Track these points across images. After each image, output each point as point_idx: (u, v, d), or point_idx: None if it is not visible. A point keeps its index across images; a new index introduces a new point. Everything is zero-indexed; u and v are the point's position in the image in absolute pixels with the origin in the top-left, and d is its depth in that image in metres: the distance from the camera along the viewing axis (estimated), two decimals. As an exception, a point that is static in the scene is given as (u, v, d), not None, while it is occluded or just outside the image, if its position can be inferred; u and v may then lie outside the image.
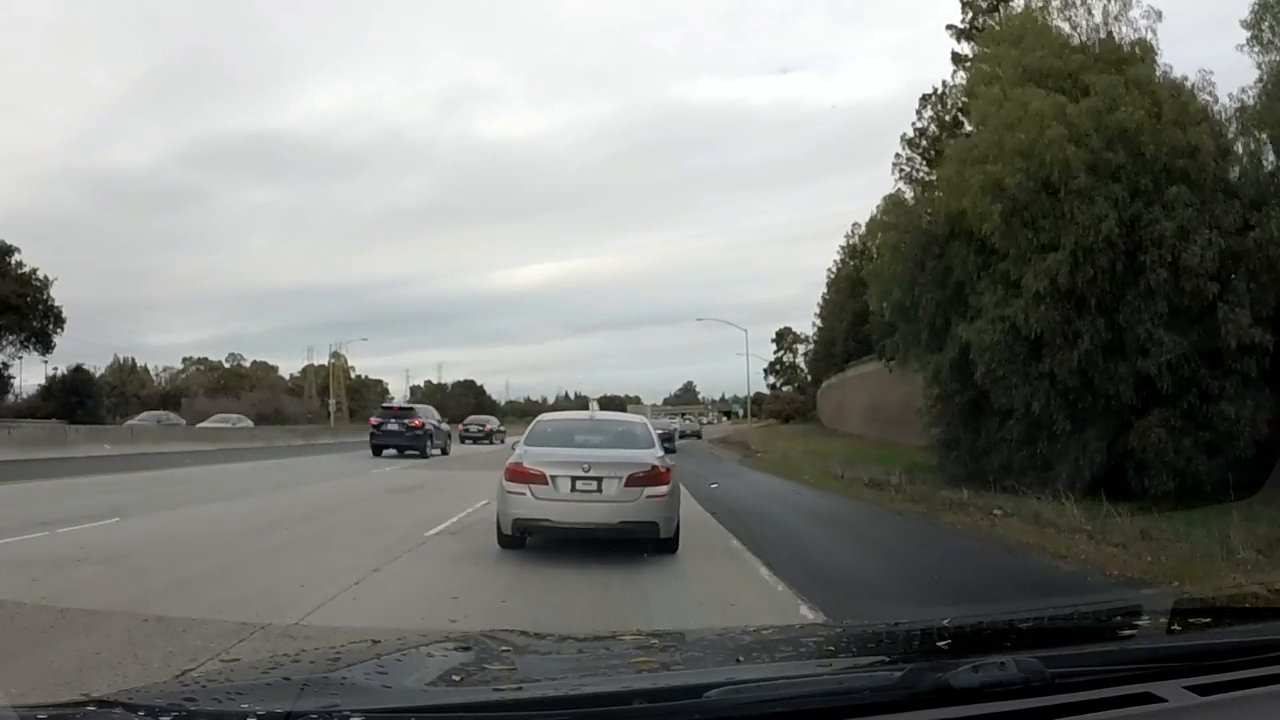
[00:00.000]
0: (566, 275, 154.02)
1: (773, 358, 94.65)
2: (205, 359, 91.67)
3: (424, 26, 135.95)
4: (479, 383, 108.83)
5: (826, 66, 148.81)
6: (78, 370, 51.88)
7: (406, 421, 28.19)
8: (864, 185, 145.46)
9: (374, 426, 28.61)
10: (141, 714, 1.34)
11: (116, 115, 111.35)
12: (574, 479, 8.53)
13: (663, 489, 8.69)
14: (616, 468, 8.64)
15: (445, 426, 34.19)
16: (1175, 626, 2.01)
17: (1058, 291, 15.67)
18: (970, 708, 1.42)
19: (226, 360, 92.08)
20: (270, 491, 15.59)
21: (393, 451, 27.31)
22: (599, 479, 8.53)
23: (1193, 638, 1.95)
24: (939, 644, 1.93)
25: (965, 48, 29.78)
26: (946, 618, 2.19)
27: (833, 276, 61.05)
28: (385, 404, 37.92)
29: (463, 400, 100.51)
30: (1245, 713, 1.47)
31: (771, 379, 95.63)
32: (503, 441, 41.30)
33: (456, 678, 1.65)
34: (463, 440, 44.97)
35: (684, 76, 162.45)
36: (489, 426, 48.92)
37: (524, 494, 8.61)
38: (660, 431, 13.51)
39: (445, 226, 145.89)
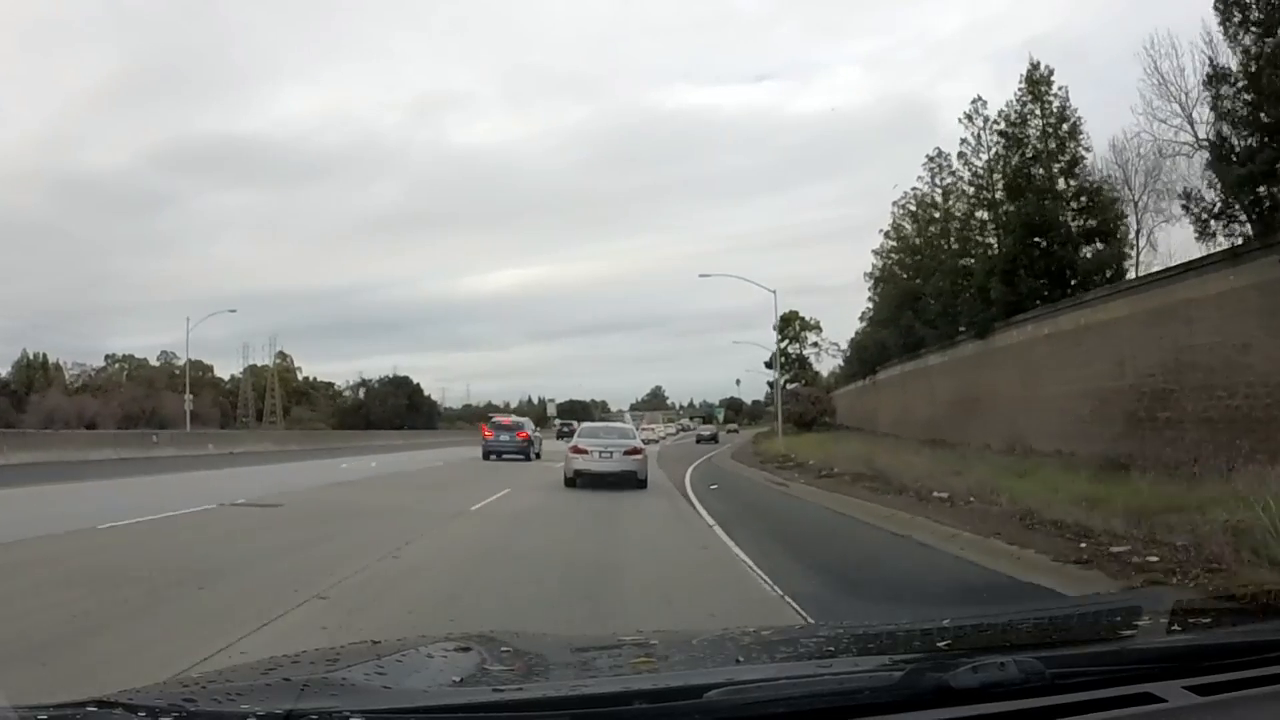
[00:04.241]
0: (535, 281, 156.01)
1: (775, 348, 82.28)
2: (130, 356, 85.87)
3: (399, 32, 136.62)
4: (415, 380, 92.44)
5: (802, 75, 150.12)
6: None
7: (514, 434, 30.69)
8: (835, 194, 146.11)
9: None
10: (142, 714, 1.34)
11: (87, 117, 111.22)
12: (600, 452, 17.98)
13: (640, 456, 18.22)
14: (619, 446, 18.22)
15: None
16: (1175, 626, 2.01)
17: None
18: (970, 708, 1.42)
19: (157, 360, 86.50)
20: None
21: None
22: (611, 451, 17.99)
23: (1193, 638, 1.95)
24: (939, 644, 1.93)
25: None
26: (946, 618, 2.19)
27: (907, 203, 42.16)
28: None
29: (390, 402, 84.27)
30: (1245, 713, 1.47)
31: (774, 374, 78.06)
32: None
33: (456, 678, 1.65)
34: (559, 437, 48.41)
35: (660, 83, 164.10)
36: (575, 426, 52.78)
37: (577, 459, 17.91)
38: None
39: (416, 232, 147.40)
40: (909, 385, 41.81)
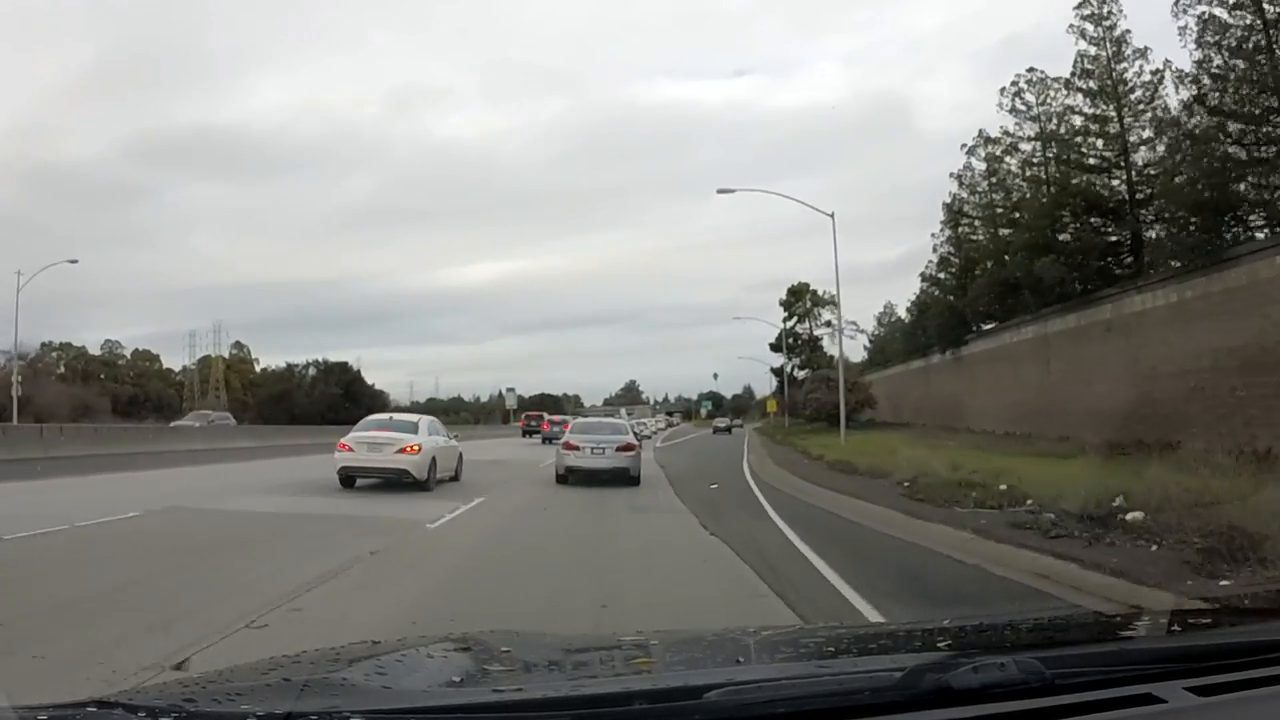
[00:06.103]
0: (510, 275, 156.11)
1: (784, 327, 65.34)
2: (68, 344, 79.25)
3: (378, 25, 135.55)
4: (355, 367, 76.36)
5: (781, 71, 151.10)
6: None
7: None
8: (814, 190, 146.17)
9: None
10: (142, 714, 1.34)
11: (61, 108, 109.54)
12: (592, 447, 17.17)
13: (633, 452, 17.45)
14: (612, 442, 17.51)
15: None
16: (1175, 627, 2.01)
17: None
18: (970, 708, 1.42)
19: (101, 348, 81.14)
20: None
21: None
22: (604, 447, 17.21)
23: (1193, 638, 1.95)
24: (939, 644, 1.93)
25: None
26: (946, 618, 2.19)
27: (1021, 93, 33.05)
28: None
29: (319, 390, 69.90)
30: (1245, 713, 1.47)
31: (782, 358, 66.58)
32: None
33: (456, 678, 1.65)
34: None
35: (639, 78, 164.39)
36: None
37: (569, 455, 17.15)
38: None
39: (392, 226, 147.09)
40: (1059, 353, 28.35)
